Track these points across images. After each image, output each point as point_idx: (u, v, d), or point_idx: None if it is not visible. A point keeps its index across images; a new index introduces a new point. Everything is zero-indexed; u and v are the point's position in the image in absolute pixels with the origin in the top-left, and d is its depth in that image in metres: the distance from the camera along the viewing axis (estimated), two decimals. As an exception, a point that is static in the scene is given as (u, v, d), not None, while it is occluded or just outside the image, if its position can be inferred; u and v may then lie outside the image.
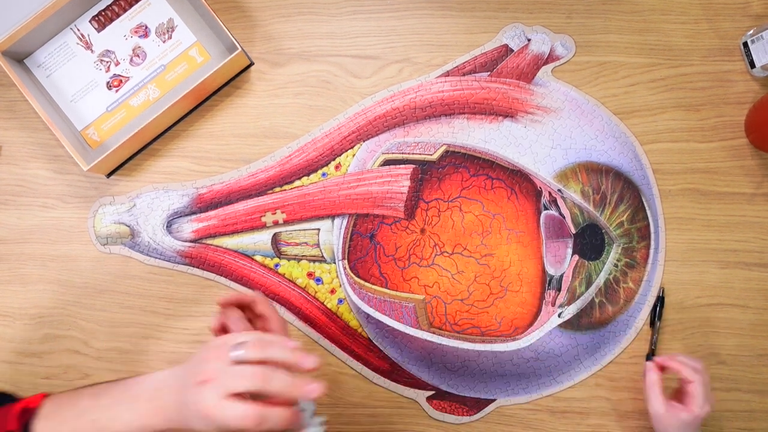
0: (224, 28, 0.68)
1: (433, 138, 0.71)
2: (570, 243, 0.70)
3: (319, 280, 0.70)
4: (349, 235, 0.70)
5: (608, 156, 0.71)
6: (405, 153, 0.71)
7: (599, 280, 0.70)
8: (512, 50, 0.72)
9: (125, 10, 0.71)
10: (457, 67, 0.72)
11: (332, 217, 0.71)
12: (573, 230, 0.70)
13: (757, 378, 0.70)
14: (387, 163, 0.71)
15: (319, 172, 0.71)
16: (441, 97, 0.72)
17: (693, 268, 0.70)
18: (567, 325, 0.70)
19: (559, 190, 0.70)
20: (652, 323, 0.69)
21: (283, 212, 0.71)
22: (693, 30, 0.72)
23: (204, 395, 0.43)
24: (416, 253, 0.70)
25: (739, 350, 0.70)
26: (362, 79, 0.72)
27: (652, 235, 0.70)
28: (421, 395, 0.70)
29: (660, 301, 0.69)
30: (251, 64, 0.72)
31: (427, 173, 0.71)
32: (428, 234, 0.70)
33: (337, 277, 0.70)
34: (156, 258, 0.71)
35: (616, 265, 0.70)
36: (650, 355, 0.68)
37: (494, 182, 0.71)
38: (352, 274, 0.70)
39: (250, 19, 0.73)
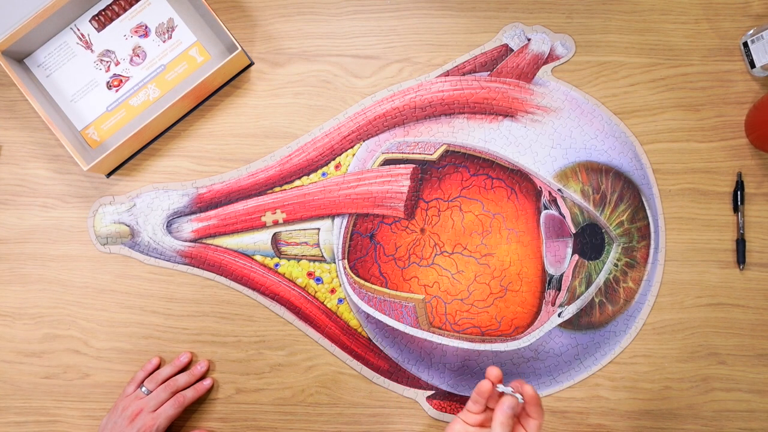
0: (224, 27, 0.68)
1: (433, 138, 0.71)
2: (570, 242, 0.70)
3: (319, 280, 0.70)
4: (349, 235, 0.70)
5: (608, 155, 0.71)
6: (405, 153, 0.71)
7: (599, 280, 0.70)
8: (512, 50, 0.72)
9: (125, 10, 0.71)
10: (456, 66, 0.72)
11: (332, 216, 0.71)
12: (573, 230, 0.70)
13: (757, 378, 0.69)
14: (387, 162, 0.71)
15: (319, 171, 0.71)
16: (441, 97, 0.72)
17: (693, 267, 0.70)
18: (567, 325, 0.70)
19: (559, 190, 0.70)
20: (736, 209, 0.70)
21: (283, 212, 0.71)
22: (693, 30, 0.72)
23: (141, 421, 0.64)
24: (416, 253, 0.70)
25: (739, 350, 0.70)
26: (362, 78, 0.72)
27: (652, 235, 0.70)
28: (421, 395, 0.70)
29: (739, 185, 0.70)
30: (251, 63, 0.72)
31: (427, 173, 0.71)
32: (428, 233, 0.70)
33: (337, 276, 0.70)
34: (156, 258, 0.71)
35: (616, 265, 0.70)
36: (740, 241, 0.69)
37: (494, 182, 0.71)
38: (352, 274, 0.70)
39: (250, 19, 0.73)
